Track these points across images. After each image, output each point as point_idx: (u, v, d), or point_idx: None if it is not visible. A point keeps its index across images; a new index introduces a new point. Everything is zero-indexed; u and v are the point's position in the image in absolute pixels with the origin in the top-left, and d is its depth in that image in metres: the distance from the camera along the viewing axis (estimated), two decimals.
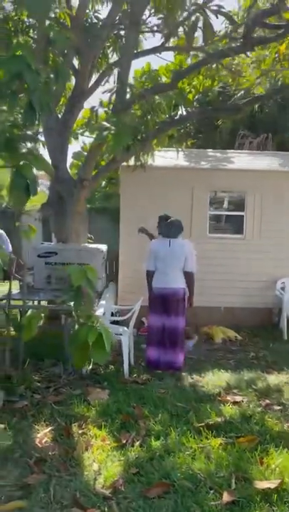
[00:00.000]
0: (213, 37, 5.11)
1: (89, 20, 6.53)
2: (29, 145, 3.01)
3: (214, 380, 4.49)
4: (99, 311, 5.19)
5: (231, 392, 4.15)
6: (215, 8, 4.93)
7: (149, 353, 4.82)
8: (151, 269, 4.83)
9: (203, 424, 3.38)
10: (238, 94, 9.17)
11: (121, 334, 4.59)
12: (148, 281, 4.89)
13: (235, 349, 5.75)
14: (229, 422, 3.46)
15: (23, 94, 3.25)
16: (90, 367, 4.51)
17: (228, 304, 6.68)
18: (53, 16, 6.10)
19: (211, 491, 2.59)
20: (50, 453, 2.98)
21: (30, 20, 6.41)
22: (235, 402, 3.86)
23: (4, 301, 4.36)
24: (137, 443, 3.12)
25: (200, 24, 4.87)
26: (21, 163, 2.79)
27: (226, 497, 2.51)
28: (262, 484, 2.61)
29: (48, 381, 4.27)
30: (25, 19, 6.59)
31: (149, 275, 4.86)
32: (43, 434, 3.24)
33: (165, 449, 3.04)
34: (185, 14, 6.14)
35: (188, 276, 4.72)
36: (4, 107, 3.88)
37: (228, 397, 3.97)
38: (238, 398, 3.97)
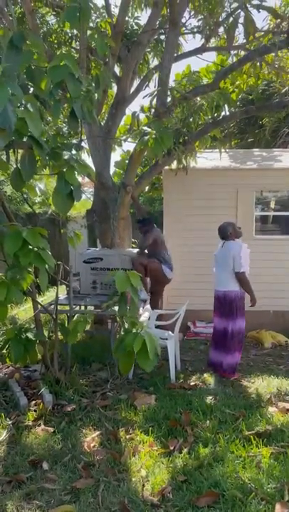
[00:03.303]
0: (255, 32, 4.95)
1: (129, 27, 6.61)
2: (73, 152, 3.04)
3: (264, 386, 4.34)
4: (144, 316, 5.19)
5: (283, 399, 3.99)
6: (257, 2, 4.78)
7: (210, 355, 4.87)
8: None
9: (253, 432, 3.28)
10: (283, 91, 8.89)
11: (166, 339, 4.55)
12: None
13: (285, 354, 5.54)
14: (280, 430, 3.33)
15: (67, 104, 3.33)
16: (136, 372, 4.51)
17: (277, 308, 6.46)
18: (94, 25, 6.23)
19: (263, 502, 2.49)
20: (98, 457, 3.00)
21: (73, 31, 6.56)
22: (287, 410, 3.71)
23: (52, 306, 4.45)
24: (185, 450, 3.07)
25: (241, 20, 4.73)
26: (64, 169, 2.83)
27: (279, 509, 2.40)
28: None
29: (95, 385, 4.31)
30: (68, 31, 6.77)
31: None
32: (91, 439, 3.26)
33: (214, 457, 2.96)
34: (225, 14, 6.06)
35: (238, 277, 4.59)
36: (49, 117, 3.99)
37: (279, 405, 3.82)
38: None
